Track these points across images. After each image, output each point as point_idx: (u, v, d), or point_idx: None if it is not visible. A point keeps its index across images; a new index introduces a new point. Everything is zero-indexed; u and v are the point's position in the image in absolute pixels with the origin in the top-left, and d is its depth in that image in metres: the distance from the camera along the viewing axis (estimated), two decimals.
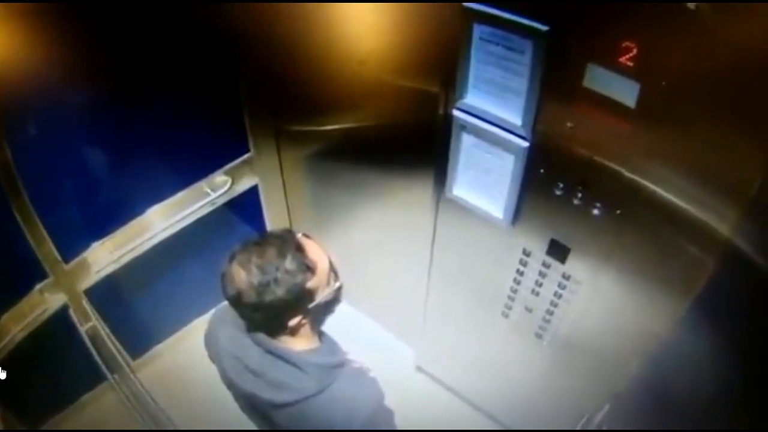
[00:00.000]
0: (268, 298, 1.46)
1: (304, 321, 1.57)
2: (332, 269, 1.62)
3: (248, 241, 1.55)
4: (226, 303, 1.62)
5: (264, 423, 1.77)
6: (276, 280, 1.46)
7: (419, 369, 3.38)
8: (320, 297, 1.57)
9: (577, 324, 2.27)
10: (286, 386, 1.57)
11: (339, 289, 1.65)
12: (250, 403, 1.73)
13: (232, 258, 1.52)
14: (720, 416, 1.79)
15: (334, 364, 1.62)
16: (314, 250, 1.56)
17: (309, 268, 1.51)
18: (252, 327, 1.61)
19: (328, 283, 1.60)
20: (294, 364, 1.57)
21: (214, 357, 1.78)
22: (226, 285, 1.51)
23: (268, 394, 1.59)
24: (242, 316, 1.58)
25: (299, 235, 1.59)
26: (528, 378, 2.70)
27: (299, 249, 1.52)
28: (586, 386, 2.43)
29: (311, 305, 1.56)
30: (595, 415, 2.38)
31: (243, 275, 1.47)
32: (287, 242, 1.53)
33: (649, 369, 2.10)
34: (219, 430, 2.94)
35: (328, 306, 1.64)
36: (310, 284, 1.52)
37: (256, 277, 1.46)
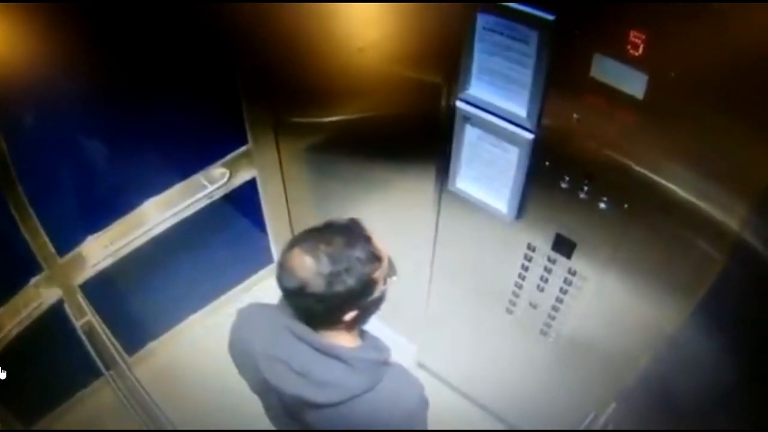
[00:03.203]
0: (338, 288, 1.43)
1: (359, 314, 1.53)
2: (390, 263, 1.58)
3: (309, 229, 1.51)
4: (249, 307, 1.61)
5: (296, 425, 1.68)
6: (348, 270, 1.43)
7: (421, 365, 3.37)
8: (378, 291, 1.53)
9: (582, 321, 2.25)
10: (334, 385, 1.50)
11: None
12: (285, 407, 1.64)
13: (292, 246, 1.47)
14: (729, 415, 1.78)
15: (383, 360, 1.58)
16: (378, 240, 1.53)
17: (376, 258, 1.49)
18: (306, 320, 1.54)
19: (387, 276, 1.56)
20: (344, 361, 1.51)
21: (245, 363, 1.68)
22: (286, 275, 1.45)
23: (313, 394, 1.51)
24: (299, 308, 1.52)
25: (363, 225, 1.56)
26: (532, 375, 2.68)
27: (367, 239, 1.50)
28: (591, 384, 2.42)
29: (370, 298, 1.52)
30: (601, 413, 2.36)
31: (311, 264, 1.42)
32: (355, 231, 1.50)
33: (657, 367, 2.08)
34: (215, 430, 2.93)
35: (380, 301, 1.59)
36: (376, 274, 1.49)
37: (326, 266, 1.42)
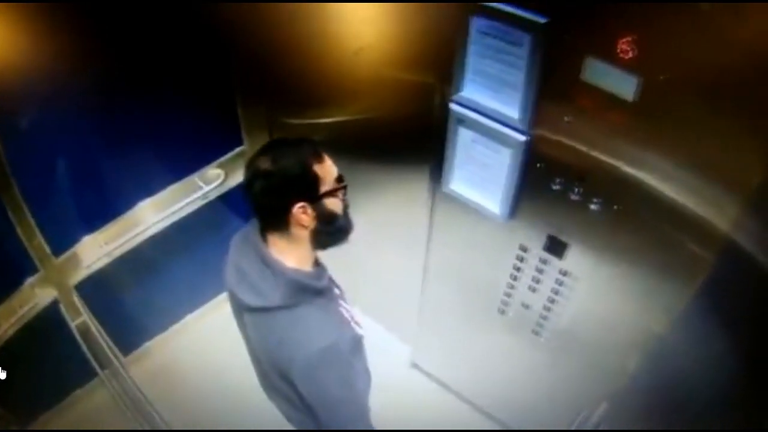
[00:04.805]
0: (280, 164, 1.56)
1: (308, 210, 1.60)
2: (341, 180, 1.68)
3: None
4: (247, 225, 1.78)
5: (244, 333, 1.84)
6: (286, 155, 1.59)
7: (414, 366, 3.37)
8: (326, 186, 1.62)
9: (574, 321, 2.26)
10: (259, 291, 1.64)
11: (346, 205, 1.72)
12: (235, 306, 1.80)
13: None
14: (719, 415, 1.79)
15: (309, 285, 1.67)
16: (327, 158, 1.65)
17: (317, 155, 1.61)
18: (261, 221, 1.68)
19: (336, 183, 1.66)
20: (272, 272, 1.63)
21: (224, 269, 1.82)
22: (246, 170, 1.64)
23: (244, 295, 1.67)
24: (253, 203, 1.65)
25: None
26: (524, 375, 2.69)
27: (315, 148, 1.63)
28: (583, 383, 2.43)
29: (317, 194, 1.61)
30: (592, 412, 2.37)
31: (261, 156, 1.61)
32: (304, 140, 1.66)
33: (647, 366, 2.09)
34: (209, 430, 2.93)
35: (334, 219, 1.67)
36: (316, 168, 1.59)
37: (271, 153, 1.60)
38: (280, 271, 1.63)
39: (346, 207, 1.71)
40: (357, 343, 1.77)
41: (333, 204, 1.65)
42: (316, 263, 1.77)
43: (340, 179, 1.67)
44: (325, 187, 1.61)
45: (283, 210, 1.59)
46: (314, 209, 1.60)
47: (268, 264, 1.64)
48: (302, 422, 1.82)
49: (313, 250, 1.72)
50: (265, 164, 1.57)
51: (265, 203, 1.63)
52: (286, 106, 2.78)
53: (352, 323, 1.78)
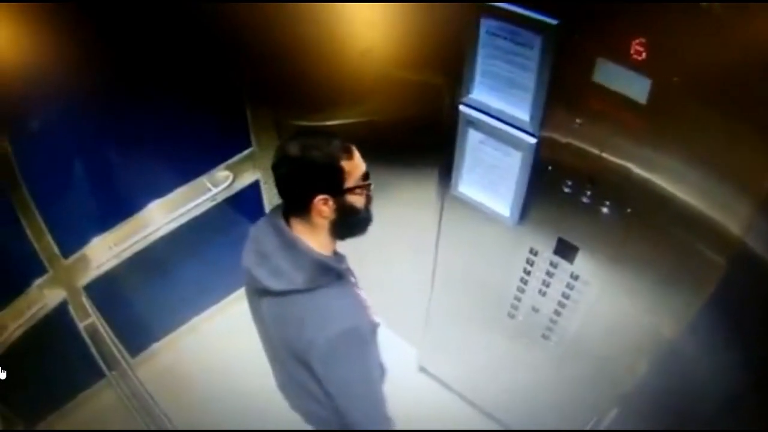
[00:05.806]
0: (309, 153, 1.57)
1: (330, 202, 1.61)
2: (367, 177, 1.70)
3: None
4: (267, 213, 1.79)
5: (258, 318, 1.86)
6: (317, 146, 1.58)
7: (422, 369, 3.36)
8: (351, 182, 1.63)
9: (585, 325, 2.24)
10: (282, 274, 1.64)
11: (369, 200, 1.73)
12: (252, 291, 1.80)
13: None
14: (731, 420, 1.77)
15: (332, 267, 1.69)
16: (357, 154, 1.67)
17: (347, 150, 1.62)
18: (284, 201, 1.69)
19: (362, 180, 1.68)
20: (297, 253, 1.64)
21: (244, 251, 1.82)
22: (275, 152, 1.63)
23: (266, 278, 1.66)
24: (278, 184, 1.65)
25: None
26: (534, 380, 2.67)
27: (345, 144, 1.64)
28: (593, 389, 2.41)
29: (341, 189, 1.62)
30: (603, 418, 2.35)
31: (291, 142, 1.60)
32: (333, 134, 1.66)
33: (659, 371, 2.07)
34: (216, 430, 2.93)
35: (354, 214, 1.69)
36: (344, 163, 1.60)
37: (303, 141, 1.59)
38: (305, 252, 1.64)
39: (368, 202, 1.73)
40: (374, 330, 1.79)
41: (355, 199, 1.67)
42: (335, 253, 1.79)
43: (366, 176, 1.68)
44: (349, 183, 1.63)
45: (305, 198, 1.61)
46: (336, 202, 1.62)
47: (292, 245, 1.65)
48: (320, 417, 1.83)
49: (333, 240, 1.73)
50: (294, 150, 1.58)
51: (289, 188, 1.64)
52: (294, 107, 2.79)
53: (371, 309, 1.81)
